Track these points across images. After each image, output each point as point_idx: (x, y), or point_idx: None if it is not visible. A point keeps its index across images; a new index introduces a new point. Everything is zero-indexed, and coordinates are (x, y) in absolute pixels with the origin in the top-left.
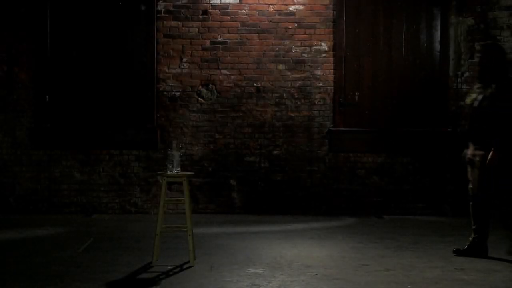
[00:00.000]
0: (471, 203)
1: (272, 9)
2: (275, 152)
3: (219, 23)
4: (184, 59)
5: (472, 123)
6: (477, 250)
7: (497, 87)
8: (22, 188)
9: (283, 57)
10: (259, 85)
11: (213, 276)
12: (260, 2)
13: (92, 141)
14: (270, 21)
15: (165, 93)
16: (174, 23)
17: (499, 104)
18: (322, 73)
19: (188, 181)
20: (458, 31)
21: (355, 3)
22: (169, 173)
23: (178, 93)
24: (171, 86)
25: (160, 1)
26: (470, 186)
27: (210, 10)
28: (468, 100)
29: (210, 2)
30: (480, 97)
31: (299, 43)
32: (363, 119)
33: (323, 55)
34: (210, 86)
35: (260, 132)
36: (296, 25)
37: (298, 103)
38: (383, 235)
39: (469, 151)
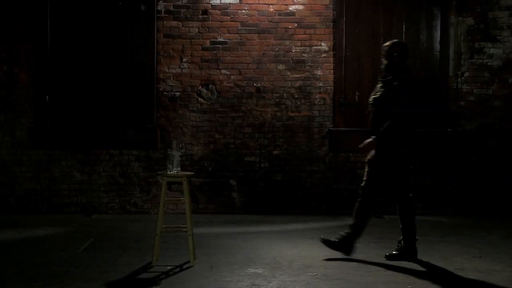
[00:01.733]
0: (359, 199)
1: (272, 9)
2: (275, 152)
3: (219, 23)
4: (184, 59)
5: (378, 121)
6: (345, 246)
7: (398, 85)
8: (22, 188)
9: (283, 57)
10: (259, 85)
11: (213, 276)
12: (260, 2)
13: (92, 141)
14: (270, 21)
15: (165, 93)
16: (174, 23)
17: (394, 101)
18: (322, 73)
19: (188, 181)
20: (458, 31)
21: (355, 3)
22: (169, 173)
23: (178, 93)
24: (171, 86)
25: (160, 1)
26: (363, 184)
27: (210, 10)
28: (371, 99)
29: (210, 2)
30: (381, 95)
31: (299, 43)
32: (363, 119)
33: (323, 55)
34: (210, 86)
35: (260, 132)
36: (296, 25)
37: (298, 103)
38: (383, 235)
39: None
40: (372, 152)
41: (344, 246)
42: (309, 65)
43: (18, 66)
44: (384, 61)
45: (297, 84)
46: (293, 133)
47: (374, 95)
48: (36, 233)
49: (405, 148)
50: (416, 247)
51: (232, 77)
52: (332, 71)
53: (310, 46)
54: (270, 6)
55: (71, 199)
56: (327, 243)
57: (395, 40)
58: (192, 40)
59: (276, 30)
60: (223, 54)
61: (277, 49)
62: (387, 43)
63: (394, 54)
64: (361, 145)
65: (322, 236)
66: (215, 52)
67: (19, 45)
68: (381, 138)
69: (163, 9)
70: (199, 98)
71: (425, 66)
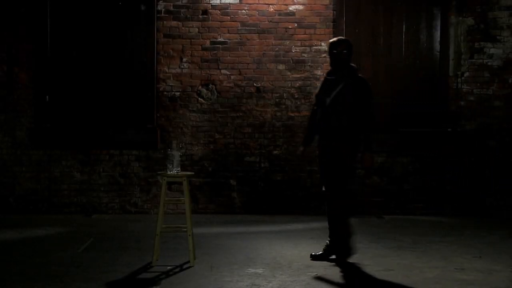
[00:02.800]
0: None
1: (272, 9)
2: (275, 152)
3: (219, 23)
4: (184, 59)
5: (331, 117)
6: (334, 252)
7: (355, 84)
8: (22, 188)
9: (283, 57)
10: (259, 85)
11: (213, 276)
12: (260, 2)
13: (92, 141)
14: (270, 21)
15: (165, 93)
16: (174, 23)
17: (361, 98)
18: (322, 73)
19: (188, 181)
20: (458, 31)
21: (355, 3)
22: (169, 173)
23: (178, 93)
24: (171, 86)
25: (160, 1)
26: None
27: (210, 10)
28: (322, 98)
29: (210, 2)
30: (334, 91)
31: (299, 43)
32: None
33: (323, 55)
34: (210, 86)
35: (260, 132)
36: (296, 25)
37: (298, 103)
38: (383, 235)
39: (323, 146)
40: (318, 151)
41: (337, 251)
42: (309, 65)
43: (18, 66)
44: (331, 58)
45: (297, 84)
46: (293, 133)
47: (323, 93)
48: (36, 233)
49: (356, 147)
50: (349, 245)
51: (232, 77)
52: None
53: (310, 46)
54: (270, 6)
55: (71, 199)
56: (317, 257)
57: (341, 37)
58: (192, 40)
59: (276, 30)
60: (223, 54)
61: (277, 49)
62: (334, 40)
63: (344, 51)
64: (368, 165)
65: (312, 253)
66: (215, 52)
67: (19, 45)
68: (373, 146)
69: (163, 9)
70: (199, 98)
71: (425, 66)
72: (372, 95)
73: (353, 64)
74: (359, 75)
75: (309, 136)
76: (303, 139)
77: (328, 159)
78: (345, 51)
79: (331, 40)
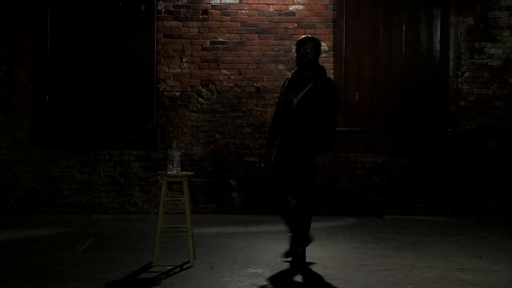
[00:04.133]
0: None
1: (272, 9)
2: (275, 152)
3: (219, 23)
4: (184, 59)
5: (297, 116)
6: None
7: (322, 84)
8: (22, 188)
9: (283, 57)
10: (259, 85)
11: (213, 276)
12: (260, 2)
13: (92, 141)
14: (270, 21)
15: (165, 93)
16: (174, 23)
17: (328, 99)
18: None
19: (188, 181)
20: (458, 31)
21: (355, 3)
22: (169, 173)
23: (178, 93)
24: (171, 86)
25: (160, 1)
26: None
27: (210, 10)
28: (288, 97)
29: (210, 2)
30: (302, 92)
31: None
32: (363, 119)
33: (323, 55)
34: (210, 86)
35: (260, 132)
36: (296, 25)
37: None
38: (383, 235)
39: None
40: (279, 150)
41: (299, 242)
42: None
43: (18, 66)
44: (297, 57)
45: None
46: None
47: (290, 92)
48: (36, 233)
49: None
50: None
51: (232, 77)
52: (332, 71)
53: None
54: (270, 6)
55: (71, 199)
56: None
57: (308, 36)
58: (192, 40)
59: (276, 30)
60: (223, 54)
61: (277, 49)
62: (301, 38)
63: (309, 50)
64: (320, 166)
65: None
66: (215, 52)
67: (19, 45)
68: (328, 148)
69: (163, 9)
70: (199, 98)
71: (425, 66)
72: (338, 97)
73: (320, 64)
74: (327, 76)
75: (273, 136)
76: (267, 139)
77: (292, 158)
78: (310, 50)
79: (299, 39)
